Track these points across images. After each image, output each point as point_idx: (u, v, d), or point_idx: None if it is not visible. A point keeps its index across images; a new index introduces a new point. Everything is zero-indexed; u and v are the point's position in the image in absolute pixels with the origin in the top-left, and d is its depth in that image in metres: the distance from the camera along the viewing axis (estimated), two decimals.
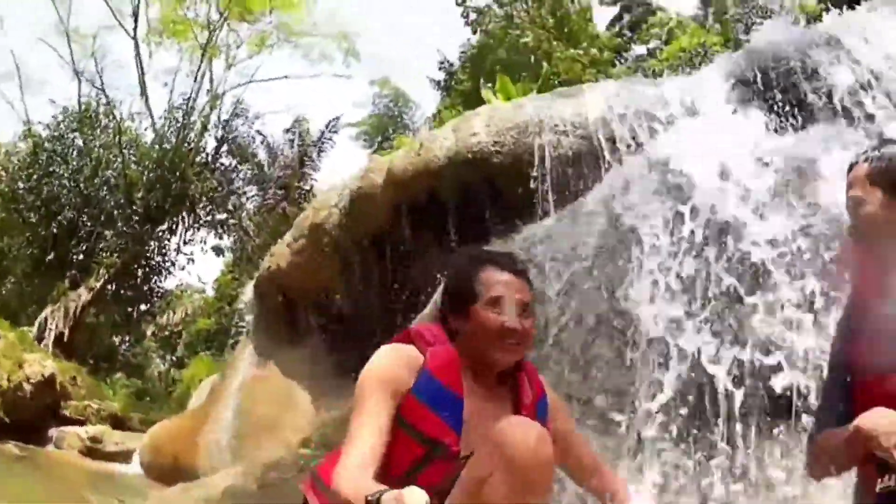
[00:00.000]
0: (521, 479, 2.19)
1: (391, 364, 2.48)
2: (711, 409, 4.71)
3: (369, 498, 2.05)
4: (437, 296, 6.71)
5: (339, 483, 2.27)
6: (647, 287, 5.30)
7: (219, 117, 24.30)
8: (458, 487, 2.30)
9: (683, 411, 4.73)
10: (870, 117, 6.21)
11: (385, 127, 23.52)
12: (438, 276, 7.05)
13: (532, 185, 7.09)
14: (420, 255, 7.96)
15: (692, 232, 5.43)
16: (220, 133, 24.17)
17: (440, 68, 20.51)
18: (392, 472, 2.34)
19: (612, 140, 7.05)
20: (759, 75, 6.82)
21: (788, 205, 5.40)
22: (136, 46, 24.15)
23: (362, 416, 2.39)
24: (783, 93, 6.64)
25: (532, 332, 2.58)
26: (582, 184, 6.91)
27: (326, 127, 24.17)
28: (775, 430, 4.49)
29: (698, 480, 4.55)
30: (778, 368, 4.60)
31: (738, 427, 4.60)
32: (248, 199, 24.35)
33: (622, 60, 17.17)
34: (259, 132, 24.72)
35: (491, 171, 7.32)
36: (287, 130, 24.39)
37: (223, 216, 23.76)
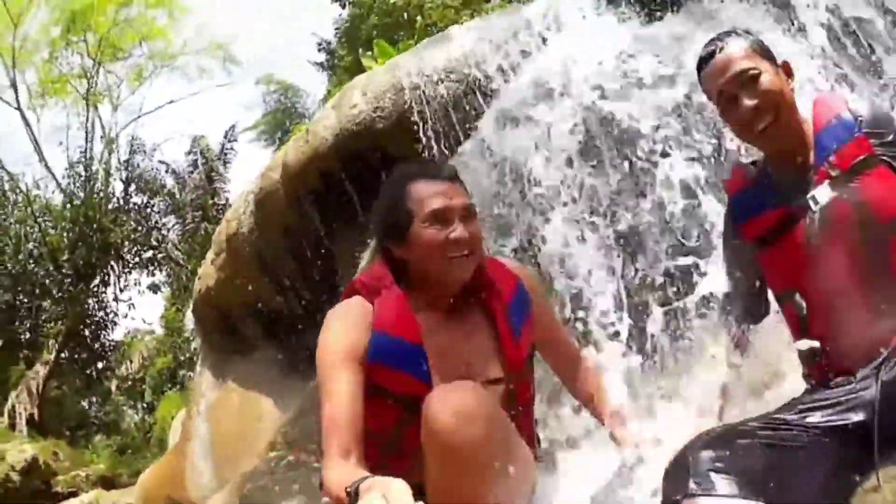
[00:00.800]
0: (445, 458, 2.06)
1: (344, 331, 2.37)
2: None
3: (347, 489, 1.97)
4: (372, 247, 6.78)
5: (326, 480, 2.16)
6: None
7: (118, 159, 24.19)
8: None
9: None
10: None
11: (281, 122, 23.13)
12: (355, 253, 7.09)
13: (417, 141, 6.99)
14: (333, 239, 7.92)
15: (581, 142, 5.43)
16: (124, 175, 23.96)
17: (319, 49, 20.32)
18: (380, 440, 2.28)
19: (485, 76, 7.02)
20: None
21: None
22: (23, 115, 24.04)
23: (332, 397, 2.28)
24: None
25: (479, 237, 2.44)
26: (467, 126, 6.88)
27: (225, 138, 23.98)
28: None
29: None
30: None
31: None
32: (169, 230, 24.18)
33: None
34: (162, 162, 24.58)
35: (378, 138, 7.26)
36: (188, 153, 24.15)
37: (150, 254, 23.57)
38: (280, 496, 5.69)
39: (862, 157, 2.37)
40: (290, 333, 9.03)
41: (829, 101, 2.56)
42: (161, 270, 24.06)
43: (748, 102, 2.40)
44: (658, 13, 6.71)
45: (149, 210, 24.30)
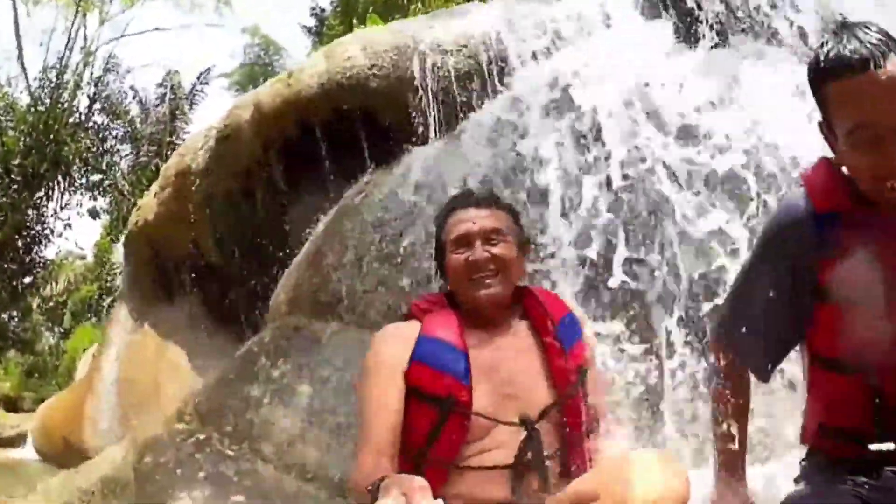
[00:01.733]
0: None
1: (387, 345, 2.41)
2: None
3: (368, 487, 1.97)
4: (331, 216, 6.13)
5: (352, 479, 2.26)
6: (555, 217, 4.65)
7: (91, 74, 22.97)
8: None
9: None
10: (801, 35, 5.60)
11: (256, 76, 22.23)
12: (313, 216, 6.35)
13: (413, 109, 6.24)
14: (294, 196, 7.06)
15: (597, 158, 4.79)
16: (92, 91, 22.83)
17: (312, 14, 19.56)
18: (413, 441, 2.28)
19: (503, 59, 6.27)
20: None
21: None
22: (14, 7, 22.79)
23: (371, 404, 2.33)
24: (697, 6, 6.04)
25: (505, 257, 2.43)
26: (469, 105, 6.15)
27: (198, 79, 23.18)
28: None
29: None
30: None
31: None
32: (121, 158, 23.09)
33: None
34: (132, 88, 23.57)
35: (368, 98, 6.45)
36: (159, 85, 23.20)
37: (98, 177, 22.45)
38: (181, 482, 4.69)
39: None
40: (222, 288, 8.23)
41: None
42: (104, 197, 22.95)
43: None
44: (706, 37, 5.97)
45: (107, 133, 23.18)
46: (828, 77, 1.84)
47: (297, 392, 4.67)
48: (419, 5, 14.15)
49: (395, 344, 2.38)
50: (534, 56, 6.24)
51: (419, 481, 1.83)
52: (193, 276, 8.52)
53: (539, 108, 5.28)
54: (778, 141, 4.50)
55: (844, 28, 1.86)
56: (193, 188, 7.74)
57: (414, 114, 6.22)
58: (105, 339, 10.10)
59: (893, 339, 1.85)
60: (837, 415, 2.00)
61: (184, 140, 20.73)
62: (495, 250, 2.40)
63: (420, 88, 6.22)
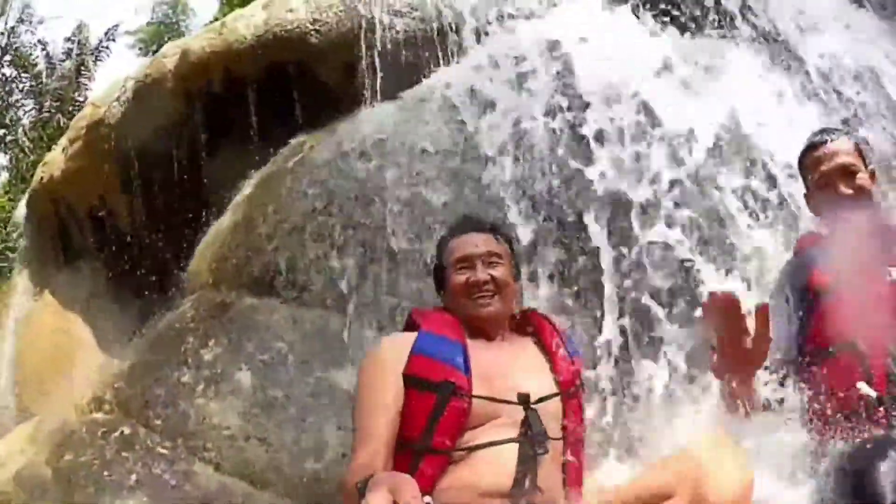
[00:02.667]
0: None
1: (385, 348, 2.52)
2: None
3: (357, 484, 1.99)
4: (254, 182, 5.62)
5: (345, 479, 2.25)
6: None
7: (6, 24, 21.71)
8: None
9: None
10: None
11: (161, 35, 21.32)
12: (234, 181, 5.78)
13: (356, 71, 5.69)
14: (212, 157, 6.35)
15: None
16: (3, 42, 21.59)
17: None
18: (411, 433, 2.31)
19: (457, 26, 5.82)
20: None
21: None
22: None
23: (367, 404, 2.38)
24: None
25: (502, 279, 2.59)
26: (419, 70, 5.68)
27: (105, 35, 21.83)
28: None
29: None
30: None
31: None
32: (25, 113, 21.69)
33: None
34: (41, 41, 22.20)
35: (308, 54, 5.87)
36: (67, 39, 21.98)
37: (1, 132, 21.10)
38: (111, 488, 3.95)
39: None
40: (130, 254, 7.40)
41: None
42: (5, 153, 21.47)
43: (845, 191, 2.69)
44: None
45: (13, 86, 21.83)
46: (805, 153, 2.82)
47: (235, 379, 4.01)
48: None
49: (393, 347, 2.47)
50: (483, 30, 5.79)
51: (407, 479, 1.87)
52: (100, 240, 7.73)
53: (507, 75, 4.88)
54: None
55: (822, 130, 2.85)
56: (105, 142, 6.95)
57: (355, 76, 5.65)
58: (3, 304, 9.04)
59: (868, 314, 2.34)
60: (841, 399, 2.36)
61: (86, 97, 19.64)
62: (494, 272, 2.58)
63: (366, 50, 5.69)
